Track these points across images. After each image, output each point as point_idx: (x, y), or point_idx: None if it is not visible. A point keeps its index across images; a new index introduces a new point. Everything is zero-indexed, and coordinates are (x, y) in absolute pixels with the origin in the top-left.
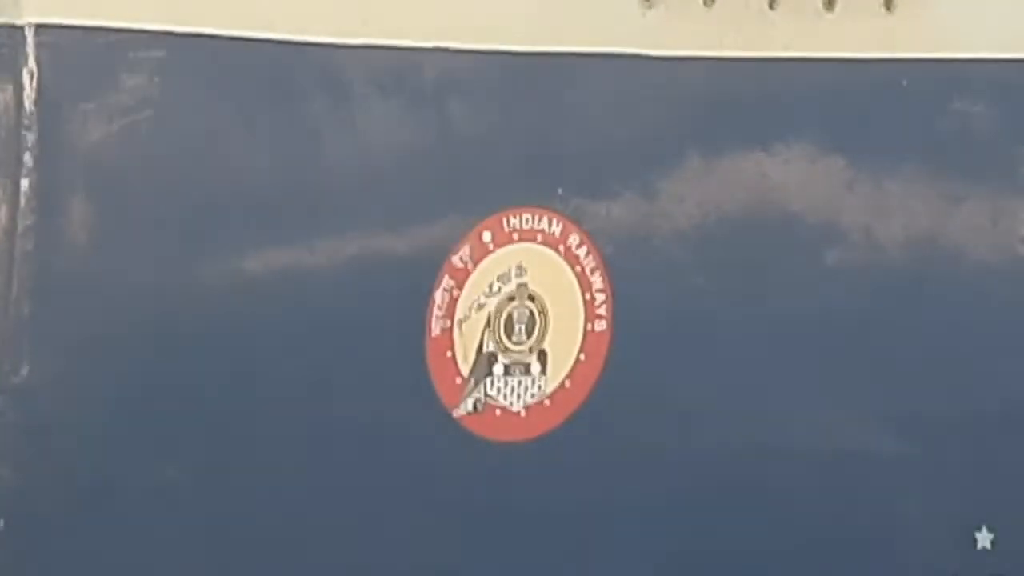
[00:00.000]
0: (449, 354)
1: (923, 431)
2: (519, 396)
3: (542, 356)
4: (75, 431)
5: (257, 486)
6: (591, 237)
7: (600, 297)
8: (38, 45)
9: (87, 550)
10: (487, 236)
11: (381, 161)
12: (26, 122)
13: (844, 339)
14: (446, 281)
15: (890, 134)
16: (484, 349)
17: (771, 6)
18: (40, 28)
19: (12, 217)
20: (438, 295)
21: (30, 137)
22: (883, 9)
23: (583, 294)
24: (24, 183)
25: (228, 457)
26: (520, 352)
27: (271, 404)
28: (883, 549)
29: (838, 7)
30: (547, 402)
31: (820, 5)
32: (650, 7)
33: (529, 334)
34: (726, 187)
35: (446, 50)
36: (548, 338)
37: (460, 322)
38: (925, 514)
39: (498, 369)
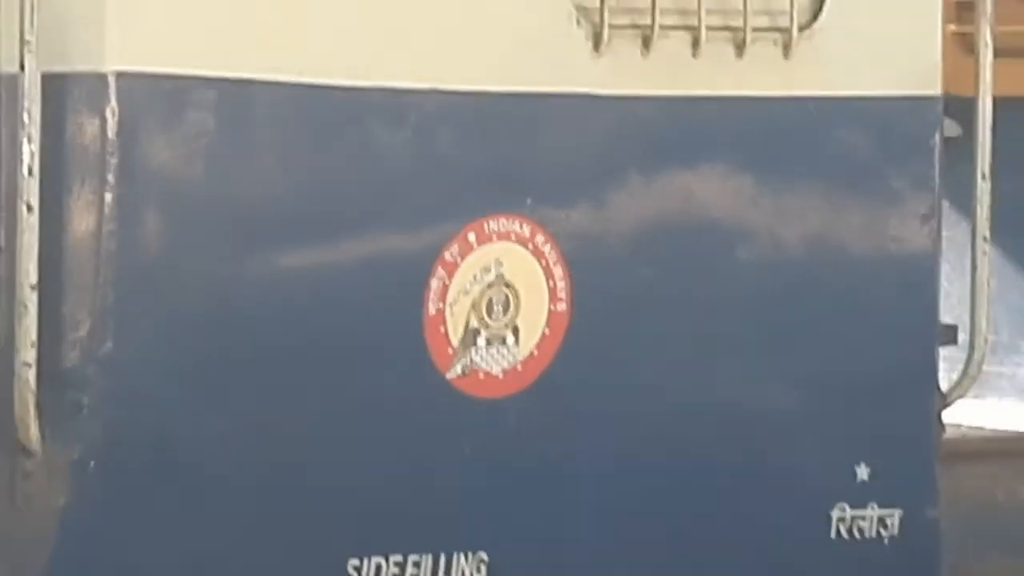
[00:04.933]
0: (442, 329)
1: (814, 388)
2: (497, 362)
3: (515, 331)
4: (148, 392)
5: (298, 435)
6: (554, 237)
7: (561, 284)
8: (118, 89)
9: (164, 496)
10: (472, 236)
11: (389, 181)
12: (109, 149)
13: (751, 316)
14: (439, 272)
15: (788, 157)
16: (470, 326)
17: (693, 55)
18: (120, 75)
19: (99, 223)
20: (433, 283)
21: (112, 161)
22: (782, 57)
23: (547, 281)
24: (108, 196)
25: (273, 410)
26: (498, 328)
27: (306, 368)
28: (783, 483)
29: (746, 56)
30: (519, 367)
31: (732, 54)
32: (599, 56)
33: (505, 313)
34: (660, 199)
35: (437, 91)
36: (520, 317)
37: (451, 304)
38: (815, 454)
39: (481, 341)
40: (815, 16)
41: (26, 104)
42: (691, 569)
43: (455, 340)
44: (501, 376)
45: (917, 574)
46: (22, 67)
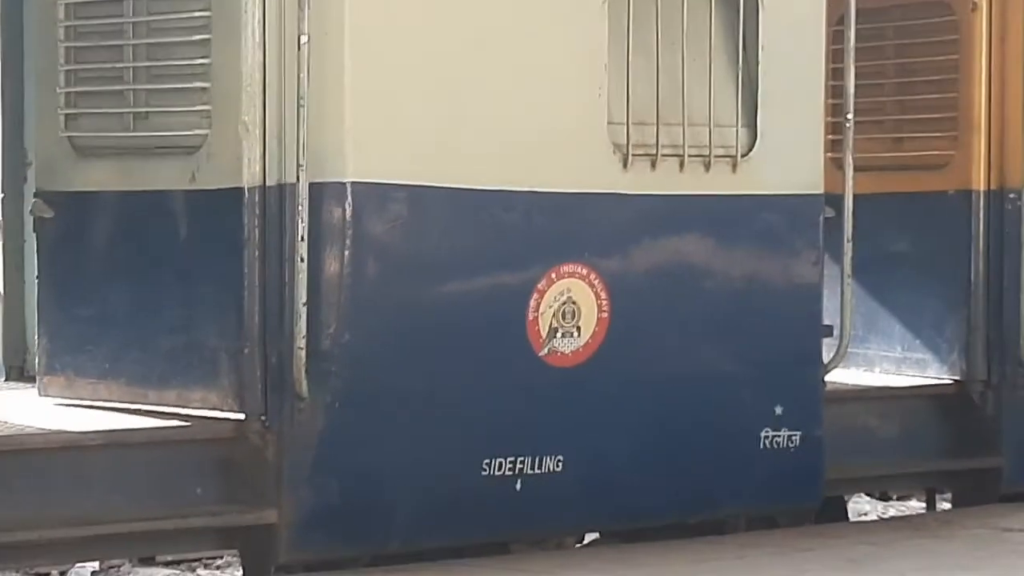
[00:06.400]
0: (536, 328)
1: (751, 361)
2: (568, 346)
3: (579, 329)
4: (369, 363)
5: (455, 386)
6: (601, 274)
7: (604, 302)
8: (352, 191)
9: (379, 422)
10: (553, 275)
11: (504, 243)
12: (347, 226)
13: (714, 321)
14: (535, 296)
15: (736, 229)
16: (552, 326)
17: (680, 171)
18: (353, 184)
19: (340, 268)
20: (531, 302)
21: (348, 232)
22: (731, 172)
23: (597, 300)
24: (346, 253)
25: (440, 372)
26: (569, 327)
27: (458, 351)
28: (733, 416)
29: (710, 170)
30: (581, 349)
31: (702, 170)
32: (626, 171)
33: (573, 319)
34: (662, 252)
35: (533, 191)
36: (581, 320)
37: (541, 314)
38: (751, 399)
39: (559, 335)
40: (751, 148)
41: (299, 201)
42: (680, 466)
43: (544, 333)
44: (570, 354)
45: (810, 471)
46: (297, 179)
